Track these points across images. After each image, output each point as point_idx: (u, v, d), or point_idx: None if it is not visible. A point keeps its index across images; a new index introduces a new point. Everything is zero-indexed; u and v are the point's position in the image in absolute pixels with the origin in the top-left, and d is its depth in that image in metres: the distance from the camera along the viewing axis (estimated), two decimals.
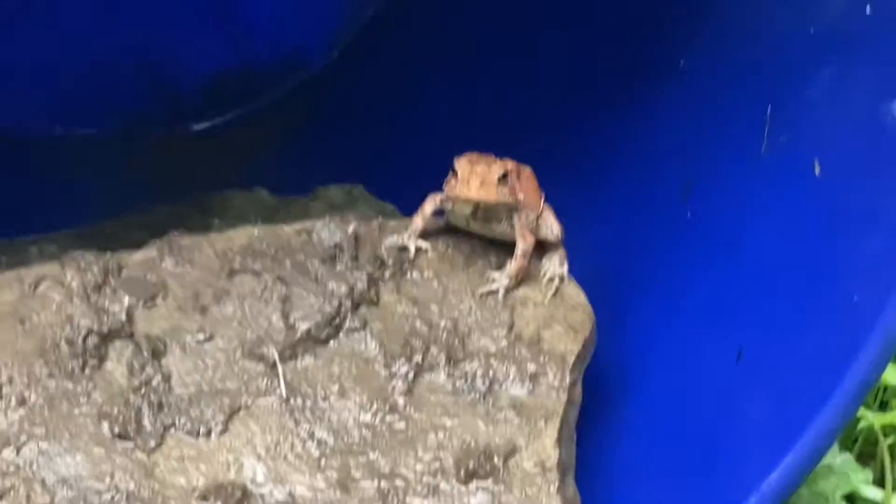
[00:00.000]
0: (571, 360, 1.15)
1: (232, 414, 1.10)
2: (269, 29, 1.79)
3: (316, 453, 1.08)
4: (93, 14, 1.73)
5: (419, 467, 1.08)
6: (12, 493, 1.01)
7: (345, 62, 1.80)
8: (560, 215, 1.24)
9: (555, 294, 1.21)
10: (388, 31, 1.79)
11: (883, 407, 1.32)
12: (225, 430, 1.09)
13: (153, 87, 1.78)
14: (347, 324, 1.17)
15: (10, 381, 1.08)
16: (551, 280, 1.21)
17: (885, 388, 1.33)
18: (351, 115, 1.72)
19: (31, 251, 1.40)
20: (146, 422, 1.08)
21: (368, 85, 1.75)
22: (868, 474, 1.23)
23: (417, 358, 1.15)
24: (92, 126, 1.76)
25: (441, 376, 1.14)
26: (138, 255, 1.20)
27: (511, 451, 1.09)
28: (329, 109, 1.77)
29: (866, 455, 1.27)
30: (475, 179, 1.15)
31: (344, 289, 1.18)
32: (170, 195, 1.58)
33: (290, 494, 1.05)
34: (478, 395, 1.13)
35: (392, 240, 1.23)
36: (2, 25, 1.71)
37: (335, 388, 1.13)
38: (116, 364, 1.12)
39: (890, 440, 1.25)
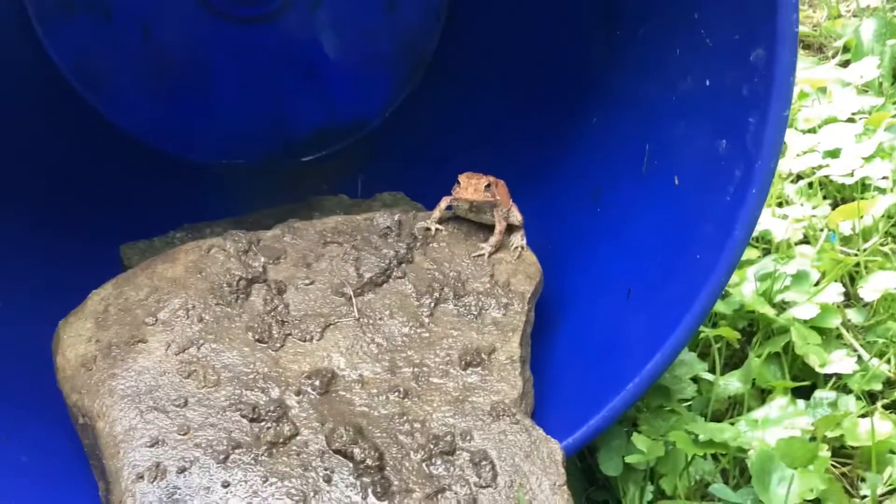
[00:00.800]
0: (528, 295, 1.14)
1: (325, 327, 1.09)
2: (346, 104, 1.76)
3: (375, 351, 1.07)
4: (251, 96, 1.72)
5: (437, 360, 1.07)
6: (196, 373, 1.01)
7: (391, 121, 1.78)
8: (521, 209, 1.22)
9: (518, 256, 1.18)
10: (418, 103, 1.76)
11: (714, 325, 1.30)
12: (321, 337, 1.08)
13: (279, 136, 1.75)
14: (394, 274, 1.15)
15: (193, 307, 1.08)
16: (516, 248, 1.19)
17: (715, 313, 1.29)
18: (394, 152, 1.67)
19: (205, 232, 1.38)
20: (274, 332, 1.07)
21: (404, 135, 1.71)
22: (705, 365, 1.21)
23: (436, 295, 1.13)
24: (242, 158, 1.74)
25: (450, 306, 1.13)
26: (269, 233, 1.18)
27: (492, 350, 1.08)
28: (382, 149, 1.72)
29: (704, 354, 1.25)
30: (471, 187, 1.15)
31: (392, 253, 1.17)
32: (288, 200, 1.53)
33: (360, 376, 1.04)
34: (472, 317, 1.11)
35: (421, 224, 1.21)
36: (200, 100, 1.70)
37: (387, 312, 1.11)
38: (256, 297, 1.11)
39: (718, 345, 1.23)
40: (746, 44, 0.94)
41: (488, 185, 1.14)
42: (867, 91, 1.97)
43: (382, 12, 1.74)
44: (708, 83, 1.04)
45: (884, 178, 1.60)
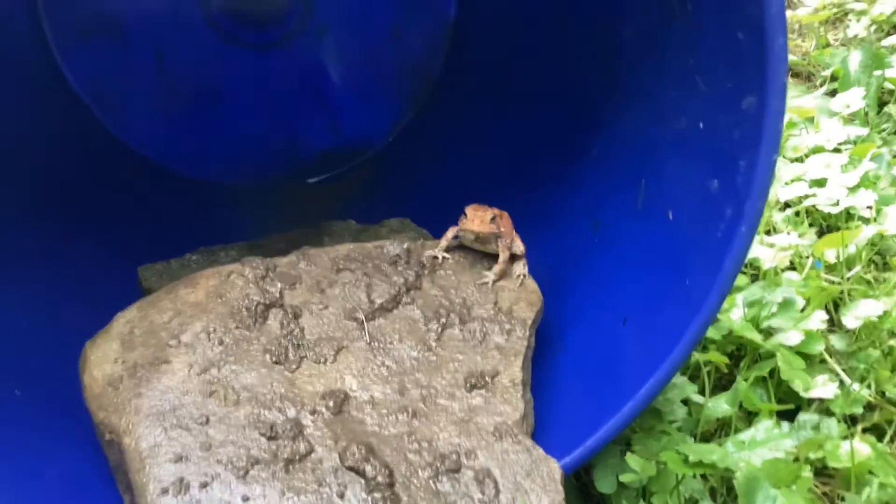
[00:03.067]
0: (529, 322, 1.19)
1: (338, 350, 1.14)
2: (352, 127, 1.81)
3: (385, 373, 1.12)
4: (261, 119, 1.76)
5: (444, 382, 1.11)
6: (217, 393, 1.07)
7: (397, 143, 1.82)
8: (523, 240, 1.26)
9: (520, 284, 1.23)
10: (421, 127, 1.81)
11: (705, 349, 1.35)
12: (334, 360, 1.13)
13: (287, 157, 1.80)
14: (404, 300, 1.20)
15: (214, 330, 1.13)
16: (519, 276, 1.23)
17: (706, 338, 1.33)
18: (401, 175, 1.72)
19: (220, 255, 1.43)
20: (290, 354, 1.12)
21: (411, 157, 1.76)
22: (695, 388, 1.25)
23: (443, 320, 1.18)
24: (251, 178, 1.78)
25: (456, 331, 1.17)
26: (285, 259, 1.24)
27: (495, 374, 1.12)
28: (388, 172, 1.76)
29: (694, 377, 1.29)
30: (477, 219, 1.20)
31: (401, 280, 1.22)
32: (297, 221, 1.56)
33: (371, 397, 1.09)
34: (477, 342, 1.16)
35: (429, 252, 1.26)
36: (212, 122, 1.75)
37: (396, 336, 1.16)
38: (273, 321, 1.16)
39: (708, 368, 1.28)
40: (738, 91, 0.99)
41: (493, 218, 1.19)
42: (853, 120, 2.04)
43: (388, 40, 1.80)
44: (702, 125, 1.08)
45: (868, 207, 1.66)
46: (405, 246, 1.25)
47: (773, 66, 0.94)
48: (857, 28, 2.50)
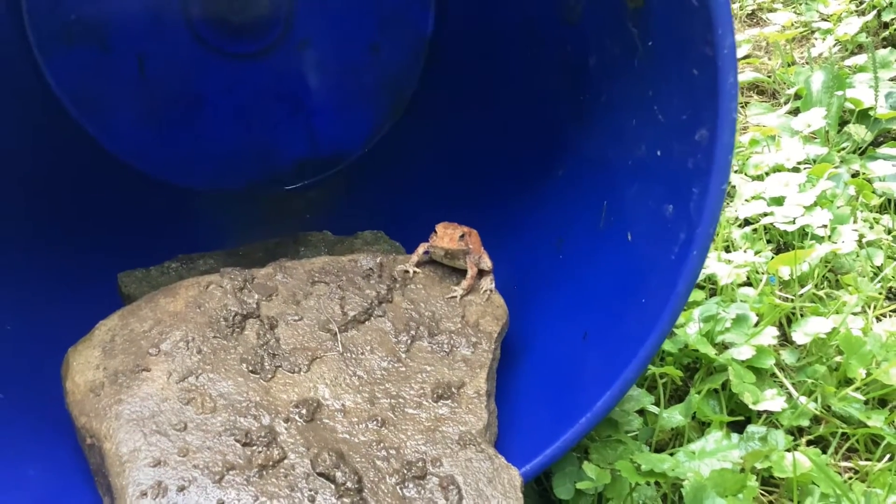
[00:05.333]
0: (495, 335, 1.23)
1: (312, 360, 1.17)
2: (329, 137, 1.85)
3: (357, 383, 1.16)
4: (240, 127, 1.81)
5: (412, 392, 1.15)
6: (195, 400, 1.11)
7: (372, 154, 1.87)
8: (491, 256, 1.30)
9: (487, 299, 1.27)
10: (396, 140, 1.86)
11: (662, 361, 1.41)
12: (308, 369, 1.16)
13: (265, 165, 1.84)
14: (375, 312, 1.24)
15: (193, 339, 1.17)
16: (486, 291, 1.28)
17: (663, 351, 1.41)
18: (375, 188, 1.78)
19: (198, 262, 1.47)
20: (266, 364, 1.16)
21: (385, 169, 1.82)
22: (652, 398, 1.31)
23: (413, 333, 1.22)
24: (229, 185, 1.83)
25: (425, 343, 1.21)
26: (263, 271, 1.27)
27: (461, 385, 1.16)
28: (362, 183, 1.81)
29: (651, 388, 1.35)
30: (447, 237, 1.24)
31: (374, 293, 1.26)
32: (275, 230, 1.61)
33: (343, 405, 1.13)
34: (444, 354, 1.20)
35: (400, 267, 1.29)
36: (192, 129, 1.79)
37: (368, 348, 1.20)
38: (250, 331, 1.20)
39: (664, 381, 1.34)
40: (692, 124, 1.04)
41: (462, 235, 1.24)
42: (814, 139, 2.12)
43: (366, 53, 1.85)
44: (659, 153, 1.13)
45: (823, 226, 1.74)
46: (378, 260, 1.29)
47: (724, 103, 0.98)
48: (822, 47, 2.58)
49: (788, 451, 1.23)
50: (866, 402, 1.34)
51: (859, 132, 2.07)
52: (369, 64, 1.84)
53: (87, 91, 1.75)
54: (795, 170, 1.94)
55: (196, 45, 1.77)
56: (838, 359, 1.41)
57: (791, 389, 1.38)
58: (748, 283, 1.62)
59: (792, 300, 1.54)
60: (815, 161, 1.98)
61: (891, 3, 2.59)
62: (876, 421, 1.29)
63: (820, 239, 1.71)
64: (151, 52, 1.76)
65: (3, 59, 1.64)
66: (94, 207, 1.64)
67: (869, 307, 1.55)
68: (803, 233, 1.74)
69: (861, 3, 2.72)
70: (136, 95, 1.77)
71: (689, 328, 1.43)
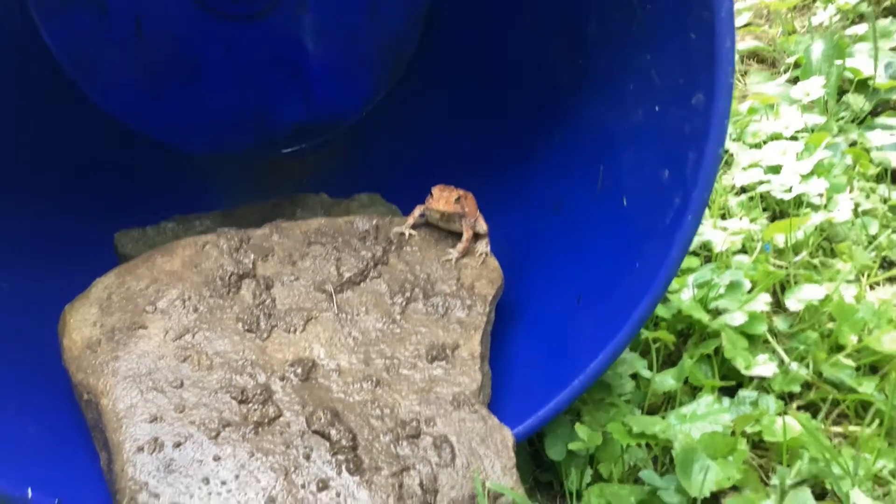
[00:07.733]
0: (490, 298, 1.23)
1: (308, 321, 1.18)
2: (327, 101, 1.84)
3: (352, 343, 1.17)
4: (238, 90, 1.79)
5: (406, 353, 1.16)
6: (191, 358, 1.12)
7: (370, 118, 1.86)
8: (487, 219, 1.30)
9: (482, 262, 1.27)
10: (395, 103, 1.84)
11: (656, 326, 1.42)
12: (304, 329, 1.17)
13: (262, 128, 1.83)
14: (371, 274, 1.24)
15: (189, 298, 1.18)
16: (481, 254, 1.28)
17: (656, 316, 1.41)
18: (372, 152, 1.77)
19: (195, 223, 1.47)
20: (262, 323, 1.17)
21: (383, 133, 1.81)
22: (645, 363, 1.30)
23: (408, 294, 1.22)
24: (226, 147, 1.82)
25: (420, 305, 1.22)
26: (259, 231, 1.27)
27: (455, 346, 1.17)
28: (360, 146, 1.79)
29: (644, 352, 1.33)
30: (442, 199, 1.25)
31: (370, 255, 1.26)
32: (271, 192, 1.61)
33: (338, 365, 1.14)
34: (439, 316, 1.20)
35: (396, 229, 1.30)
36: (189, 91, 1.78)
37: (363, 308, 1.20)
38: (246, 291, 1.20)
39: (657, 345, 1.34)
40: (689, 88, 1.04)
41: (458, 198, 1.24)
42: (813, 108, 2.11)
43: (365, 15, 1.83)
44: (655, 118, 1.13)
45: (819, 195, 1.74)
46: (374, 222, 1.29)
47: (721, 67, 0.99)
48: (823, 16, 2.56)
49: (779, 415, 1.24)
50: (857, 369, 1.34)
51: (858, 102, 2.06)
52: (368, 26, 1.82)
53: (84, 53, 1.73)
54: (793, 138, 1.93)
55: (193, 5, 1.75)
56: (831, 326, 1.42)
57: (783, 355, 1.38)
58: (743, 251, 1.62)
59: (786, 268, 1.55)
60: (813, 130, 1.98)
61: None
62: (866, 387, 1.30)
63: (816, 207, 1.71)
64: (149, 14, 1.74)
65: (1, 21, 1.62)
66: (91, 168, 1.63)
67: (863, 275, 1.56)
68: (799, 201, 1.74)
69: None
70: (133, 57, 1.75)
71: (683, 294, 1.43)
